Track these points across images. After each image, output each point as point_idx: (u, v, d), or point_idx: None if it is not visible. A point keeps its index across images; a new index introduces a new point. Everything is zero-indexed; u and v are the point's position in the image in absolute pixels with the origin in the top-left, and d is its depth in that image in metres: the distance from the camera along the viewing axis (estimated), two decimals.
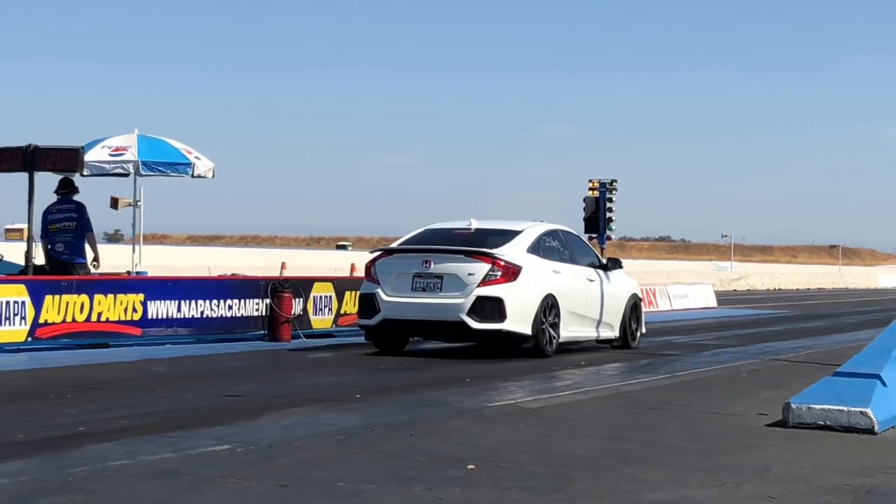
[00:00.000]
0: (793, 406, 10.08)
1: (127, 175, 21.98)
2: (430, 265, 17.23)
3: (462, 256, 17.21)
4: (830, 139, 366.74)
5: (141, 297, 18.24)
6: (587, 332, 18.87)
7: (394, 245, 18.44)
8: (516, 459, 8.31)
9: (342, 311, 21.55)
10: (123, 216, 23.06)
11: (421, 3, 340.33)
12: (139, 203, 22.87)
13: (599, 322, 19.06)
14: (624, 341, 19.67)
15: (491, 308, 16.94)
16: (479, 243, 17.57)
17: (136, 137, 21.77)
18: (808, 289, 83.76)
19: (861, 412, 9.79)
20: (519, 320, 17.08)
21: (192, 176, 21.97)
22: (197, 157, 22.12)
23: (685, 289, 42.80)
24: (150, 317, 18.33)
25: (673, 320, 31.00)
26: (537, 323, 17.23)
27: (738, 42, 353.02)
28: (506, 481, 7.51)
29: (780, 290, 78.28)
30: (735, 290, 70.13)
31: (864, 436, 9.63)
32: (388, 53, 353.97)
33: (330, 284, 21.57)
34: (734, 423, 10.45)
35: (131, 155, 21.41)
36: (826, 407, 9.93)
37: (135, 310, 18.12)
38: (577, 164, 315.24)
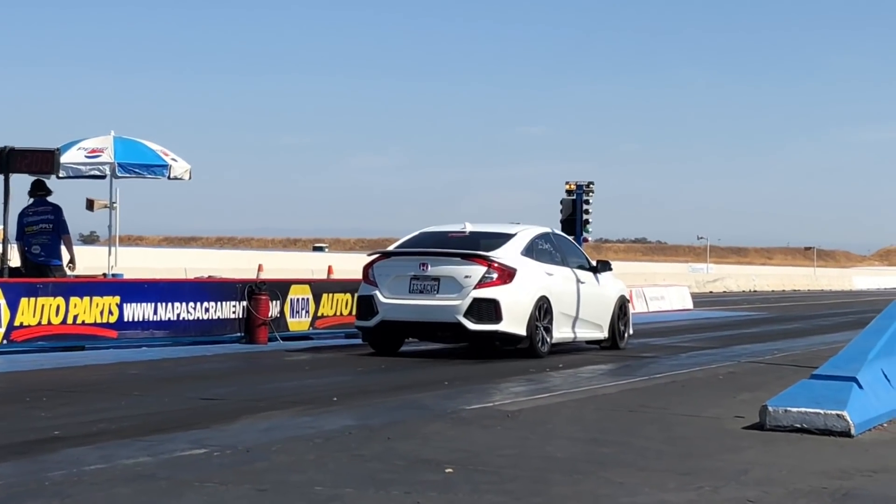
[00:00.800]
0: (770, 409, 10.10)
1: (103, 177, 21.92)
2: (427, 268, 17.55)
3: (459, 259, 17.56)
4: (806, 142, 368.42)
5: (117, 299, 18.16)
6: (578, 332, 19.18)
7: (391, 248, 18.71)
8: (494, 463, 8.30)
9: (319, 314, 21.51)
10: (99, 218, 23.00)
11: (401, 5, 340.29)
12: (115, 205, 22.80)
13: (590, 323, 19.41)
14: (613, 342, 20.01)
15: (487, 309, 17.28)
16: (474, 246, 17.92)
17: (112, 139, 21.71)
18: (784, 291, 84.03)
19: (838, 415, 9.82)
20: (514, 321, 17.41)
21: (169, 178, 21.92)
22: (173, 159, 22.07)
23: (662, 290, 42.86)
24: (126, 319, 18.26)
25: (650, 322, 31.00)
26: (532, 324, 17.57)
27: (714, 45, 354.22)
28: (484, 485, 7.50)
29: (755, 291, 78.51)
30: (711, 292, 70.29)
31: (841, 439, 9.66)
32: (367, 55, 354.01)
33: (307, 287, 21.53)
34: (711, 426, 10.47)
35: (107, 157, 21.35)
36: (803, 410, 9.96)
37: (111, 312, 18.04)
38: (555, 165, 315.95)
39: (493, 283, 17.39)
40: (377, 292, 17.77)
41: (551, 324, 18.06)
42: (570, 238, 20.76)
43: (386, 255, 18.32)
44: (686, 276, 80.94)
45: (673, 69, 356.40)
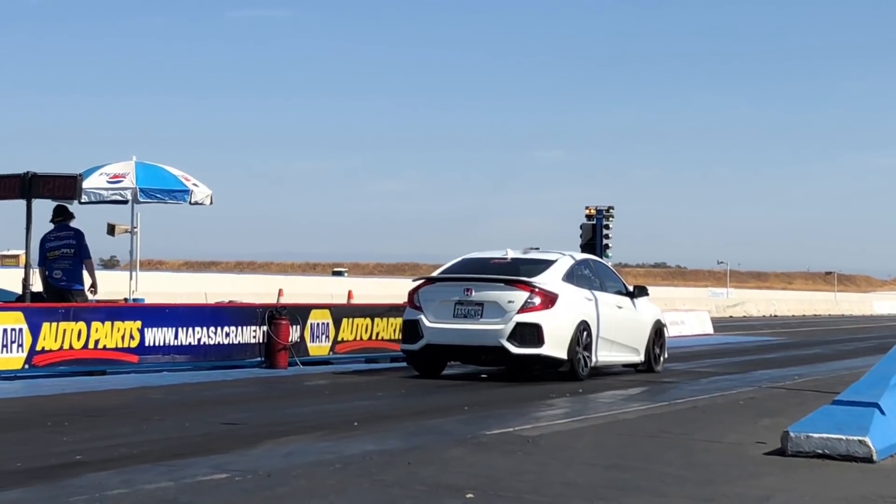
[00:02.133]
0: (791, 435, 10.08)
1: (125, 202, 22.02)
2: (471, 293, 18.08)
3: (502, 285, 18.07)
4: (825, 166, 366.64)
5: (138, 324, 18.22)
6: (616, 356, 19.73)
7: (434, 274, 19.36)
8: (515, 488, 8.30)
9: (339, 339, 21.52)
10: (120, 243, 23.08)
11: (416, 29, 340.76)
12: (136, 230, 22.89)
13: (627, 347, 19.95)
14: (648, 365, 20.55)
15: (530, 334, 17.75)
16: (515, 272, 18.47)
17: (134, 164, 21.81)
18: (804, 315, 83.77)
19: (860, 441, 9.79)
20: (556, 345, 17.88)
21: (191, 203, 22.00)
22: (195, 185, 22.14)
23: (682, 315, 42.73)
24: (147, 344, 18.31)
25: (670, 347, 30.76)
26: (572, 348, 18.07)
27: (734, 70, 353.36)
28: None
29: (775, 316, 78.30)
30: (731, 317, 70.16)
31: (863, 465, 9.63)
32: (383, 79, 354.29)
33: (327, 311, 21.55)
34: (733, 452, 10.45)
35: (129, 182, 21.44)
36: (825, 436, 9.94)
37: (132, 337, 18.10)
38: (573, 190, 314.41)
39: (535, 308, 17.85)
40: (422, 317, 18.30)
41: (591, 348, 18.56)
42: (608, 264, 21.10)
43: (431, 280, 18.92)
44: (706, 300, 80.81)
45: (691, 94, 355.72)
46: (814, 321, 69.14)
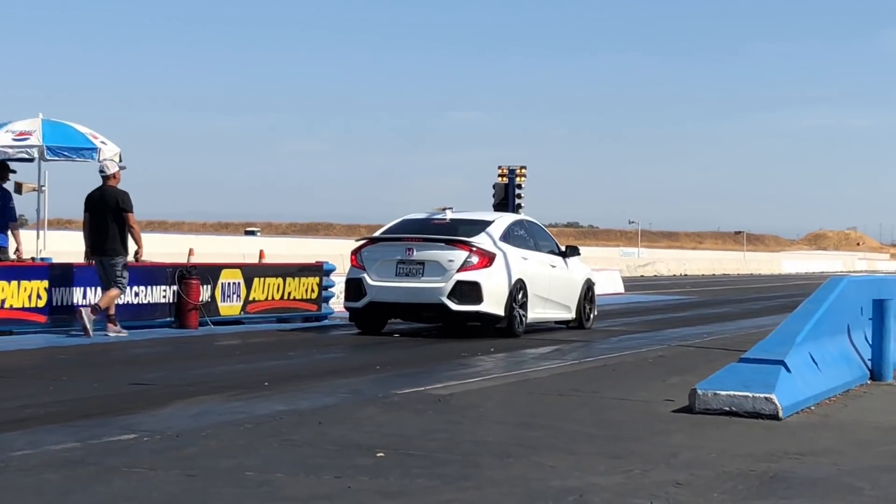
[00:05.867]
0: (699, 392, 10.19)
1: (31, 160, 21.64)
2: (412, 252, 18.70)
3: (442, 244, 18.72)
4: (735, 127, 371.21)
5: (45, 283, 17.97)
6: (550, 313, 20.46)
7: (377, 234, 19.85)
8: (425, 447, 8.31)
9: (251, 298, 21.40)
10: (27, 201, 22.71)
11: None
12: (44, 188, 22.53)
13: (559, 304, 20.66)
14: (579, 322, 21.30)
15: (469, 291, 18.43)
16: (454, 232, 19.10)
17: (40, 122, 21.43)
18: (714, 274, 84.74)
19: (766, 398, 9.92)
20: (494, 303, 18.56)
21: (98, 161, 21.66)
22: (103, 142, 21.81)
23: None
24: (55, 304, 18.07)
25: None
26: (509, 305, 18.76)
27: (644, 29, 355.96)
28: (415, 469, 7.50)
29: (686, 275, 79.09)
30: (642, 276, 70.75)
31: (769, 421, 9.76)
32: (297, 37, 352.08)
33: (238, 271, 21.41)
34: (641, 410, 10.54)
35: (35, 139, 21.07)
36: (732, 393, 10.06)
37: (39, 297, 17.85)
38: (487, 150, 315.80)
39: (474, 267, 18.52)
40: (365, 275, 18.87)
41: (526, 305, 19.19)
42: (542, 225, 21.62)
43: (373, 240, 19.41)
44: (617, 260, 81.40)
45: (603, 53, 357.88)
46: (723, 280, 69.98)
